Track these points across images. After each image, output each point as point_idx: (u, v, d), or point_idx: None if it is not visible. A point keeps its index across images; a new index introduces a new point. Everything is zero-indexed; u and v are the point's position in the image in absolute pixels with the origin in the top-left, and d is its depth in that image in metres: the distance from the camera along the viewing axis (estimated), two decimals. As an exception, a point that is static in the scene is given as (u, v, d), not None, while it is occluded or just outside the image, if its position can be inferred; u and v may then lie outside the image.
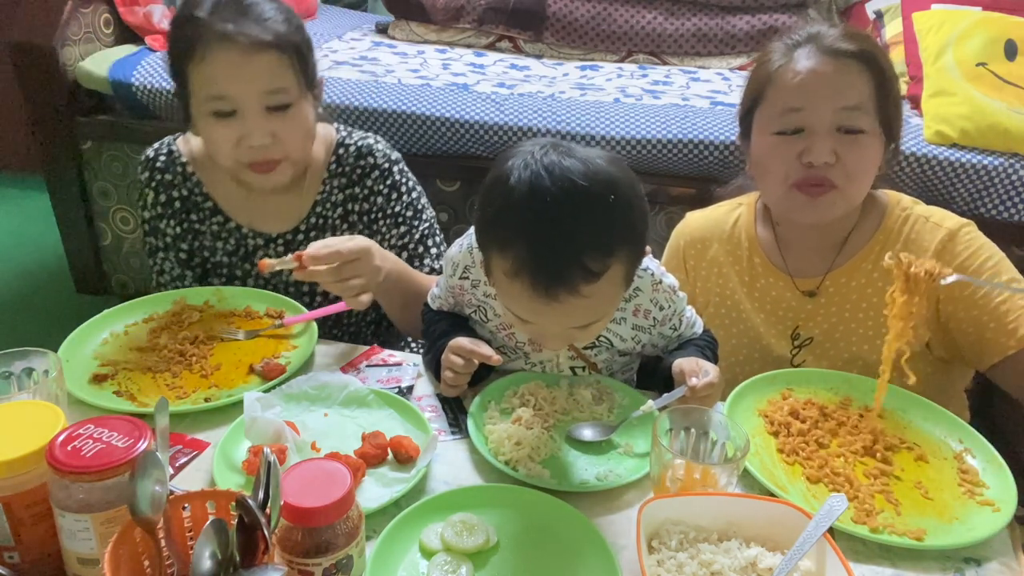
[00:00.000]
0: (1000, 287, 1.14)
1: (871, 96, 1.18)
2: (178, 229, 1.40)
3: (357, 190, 1.40)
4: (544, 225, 0.86)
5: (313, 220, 1.40)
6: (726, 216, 1.39)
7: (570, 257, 0.86)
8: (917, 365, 1.09)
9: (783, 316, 1.30)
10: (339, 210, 1.41)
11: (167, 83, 2.27)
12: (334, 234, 1.40)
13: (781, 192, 1.22)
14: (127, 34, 2.53)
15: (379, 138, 1.43)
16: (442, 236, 1.47)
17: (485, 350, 1.05)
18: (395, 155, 1.43)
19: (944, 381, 1.25)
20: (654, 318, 1.11)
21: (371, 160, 1.39)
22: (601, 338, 1.12)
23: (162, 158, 1.39)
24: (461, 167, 2.28)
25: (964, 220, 1.25)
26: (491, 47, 2.88)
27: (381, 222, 1.41)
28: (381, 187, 1.40)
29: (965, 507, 0.94)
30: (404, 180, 1.42)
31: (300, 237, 1.40)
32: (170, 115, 2.32)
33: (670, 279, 1.11)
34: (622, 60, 2.82)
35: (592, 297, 0.89)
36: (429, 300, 1.23)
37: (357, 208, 1.41)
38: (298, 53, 1.26)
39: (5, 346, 0.93)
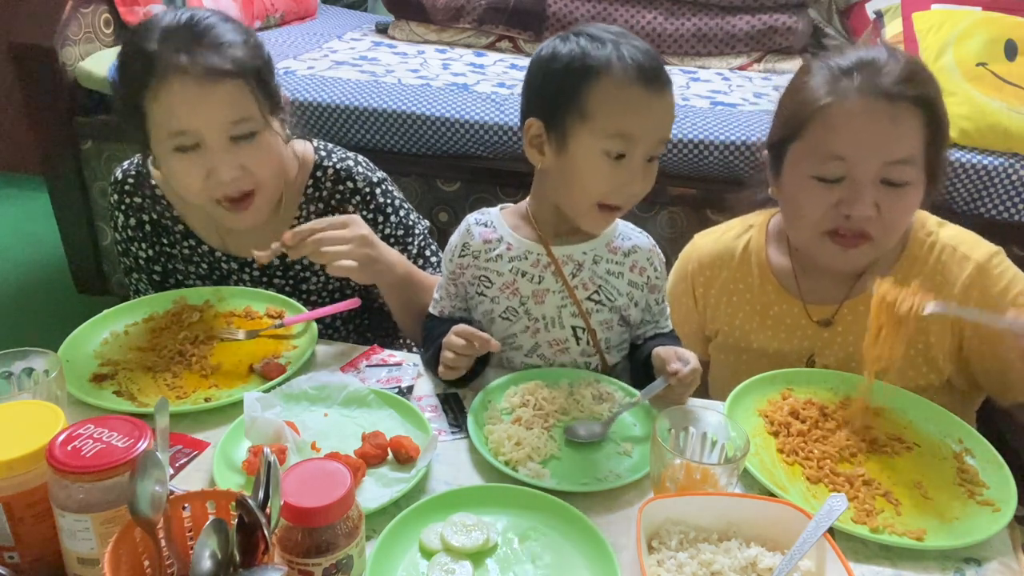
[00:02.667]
0: (992, 319, 1.06)
1: (923, 145, 1.10)
2: (150, 252, 1.36)
3: (336, 216, 1.33)
4: (624, 37, 1.06)
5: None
6: (735, 241, 1.33)
7: (656, 56, 1.06)
8: (935, 398, 1.10)
9: (797, 345, 1.27)
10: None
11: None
12: (312, 259, 1.38)
13: (811, 236, 1.17)
14: (127, 34, 2.52)
15: (360, 158, 1.37)
16: (436, 244, 1.43)
17: (487, 336, 1.07)
18: (377, 176, 1.36)
19: (960, 408, 1.19)
20: (648, 277, 1.17)
21: (350, 185, 1.33)
22: (601, 292, 1.15)
23: (131, 180, 1.34)
24: (461, 167, 2.27)
25: (993, 248, 1.19)
26: (491, 47, 2.88)
27: None
28: (364, 213, 1.34)
29: (965, 507, 0.94)
30: (389, 201, 1.36)
31: (276, 262, 1.35)
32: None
33: (662, 255, 1.20)
34: (622, 60, 2.82)
35: (673, 98, 1.07)
36: (431, 308, 1.24)
37: None
38: (258, 78, 1.19)
39: (5, 346, 0.93)
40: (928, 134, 1.11)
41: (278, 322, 1.23)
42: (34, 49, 2.29)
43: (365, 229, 1.20)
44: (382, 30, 3.04)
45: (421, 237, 1.41)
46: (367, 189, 1.34)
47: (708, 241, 1.37)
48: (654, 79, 1.04)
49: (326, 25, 3.07)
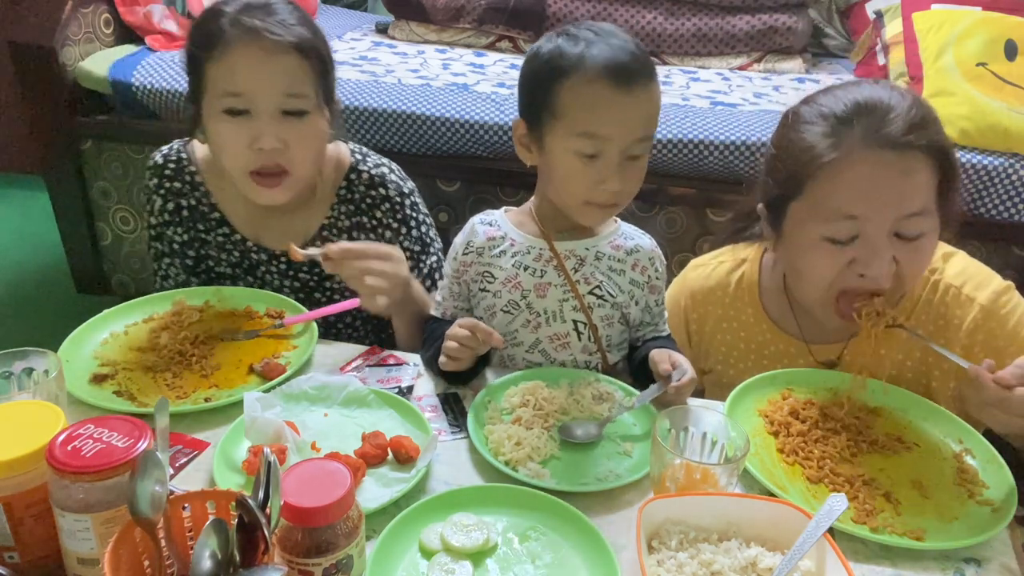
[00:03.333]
0: (959, 360, 1.01)
1: (935, 193, 1.05)
2: (185, 236, 1.38)
3: (364, 219, 1.37)
4: (604, 35, 1.05)
5: (319, 243, 1.35)
6: (727, 277, 1.28)
7: (634, 53, 1.04)
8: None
9: None
10: (344, 236, 1.37)
11: (167, 83, 2.28)
12: (347, 281, 1.38)
13: (822, 296, 1.11)
14: (127, 34, 2.52)
15: (394, 166, 1.39)
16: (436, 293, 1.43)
17: (490, 329, 1.07)
18: (408, 186, 1.39)
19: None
20: (649, 277, 1.18)
21: (383, 192, 1.36)
22: (603, 287, 1.15)
23: (171, 165, 1.36)
24: (461, 167, 2.28)
25: (1001, 286, 1.14)
26: (491, 47, 2.88)
27: None
28: (391, 221, 1.37)
29: (965, 507, 0.94)
30: (414, 214, 1.39)
31: None
32: (170, 115, 2.32)
33: (663, 257, 1.20)
34: (622, 60, 2.82)
35: (652, 96, 1.05)
36: (432, 310, 1.26)
37: (363, 237, 1.37)
38: (321, 62, 1.24)
39: (5, 346, 0.93)
40: (941, 179, 1.05)
41: (278, 322, 1.23)
42: (34, 49, 2.29)
43: (405, 270, 1.21)
44: (382, 30, 3.04)
45: (435, 258, 1.42)
46: (398, 199, 1.37)
47: (700, 275, 1.32)
48: (623, 77, 1.02)
49: (326, 25, 3.03)
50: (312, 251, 1.18)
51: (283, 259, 1.38)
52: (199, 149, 1.38)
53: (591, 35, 1.06)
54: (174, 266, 1.40)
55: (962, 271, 1.16)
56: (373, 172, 1.36)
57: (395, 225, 1.37)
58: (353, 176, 1.36)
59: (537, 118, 1.08)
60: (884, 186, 1.02)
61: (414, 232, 1.39)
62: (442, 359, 1.09)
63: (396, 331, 1.33)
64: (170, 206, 1.37)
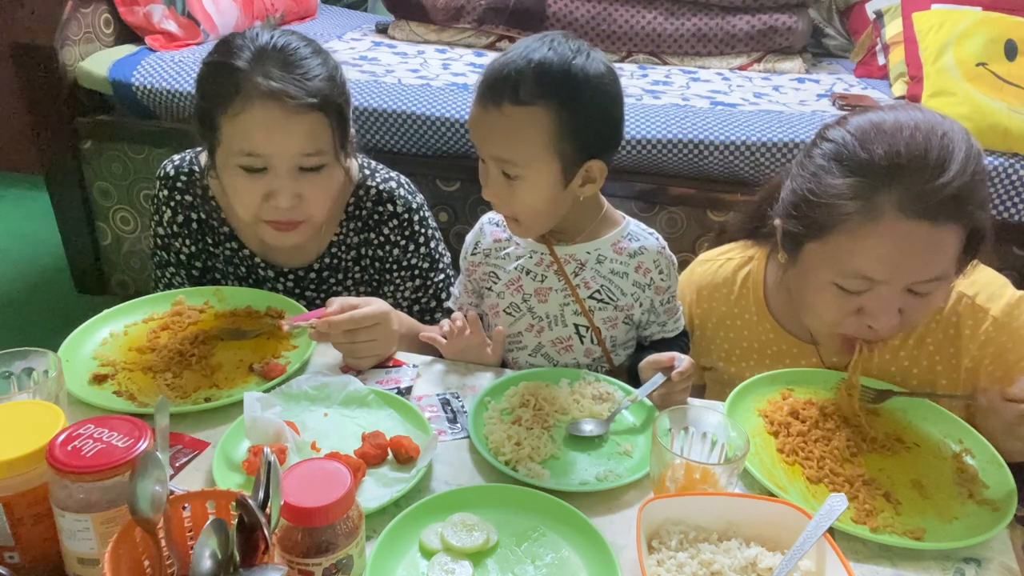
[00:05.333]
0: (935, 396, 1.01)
1: (958, 255, 0.99)
2: (193, 248, 1.37)
3: (372, 235, 1.35)
4: (503, 58, 1.05)
5: (327, 260, 1.36)
6: (733, 275, 1.27)
7: (509, 75, 1.02)
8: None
9: None
10: (352, 252, 1.37)
11: (167, 83, 2.28)
12: (346, 276, 1.38)
13: (826, 331, 1.10)
14: (127, 34, 2.53)
15: (403, 179, 1.37)
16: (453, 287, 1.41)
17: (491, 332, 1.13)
18: (417, 201, 1.37)
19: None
20: (652, 279, 1.18)
21: (390, 208, 1.34)
22: (603, 291, 1.16)
23: (183, 177, 1.34)
24: (461, 167, 2.27)
25: (1014, 299, 1.11)
26: (491, 47, 2.88)
27: (395, 272, 1.37)
28: (398, 238, 1.35)
29: (965, 507, 0.94)
30: (423, 230, 1.37)
31: (312, 275, 1.37)
32: (169, 115, 2.32)
33: (673, 257, 1.19)
34: (622, 60, 2.83)
35: (509, 121, 1.02)
36: (449, 302, 1.32)
37: (371, 254, 1.37)
38: (339, 115, 1.20)
39: (5, 346, 0.93)
40: (965, 242, 0.99)
41: (278, 322, 1.23)
42: (34, 49, 2.29)
43: (392, 330, 1.16)
44: (382, 30, 3.04)
45: (443, 276, 1.41)
46: (406, 215, 1.35)
47: (706, 271, 1.31)
48: (488, 93, 1.04)
49: (326, 25, 3.07)
50: (300, 323, 1.17)
51: (290, 276, 1.37)
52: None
53: (515, 49, 1.06)
54: (179, 276, 1.39)
55: (976, 279, 1.12)
56: (381, 188, 1.34)
57: (403, 242, 1.36)
58: (361, 192, 1.34)
59: None
60: (909, 256, 0.97)
61: (422, 249, 1.37)
62: (436, 337, 1.16)
63: None
64: (180, 218, 1.35)
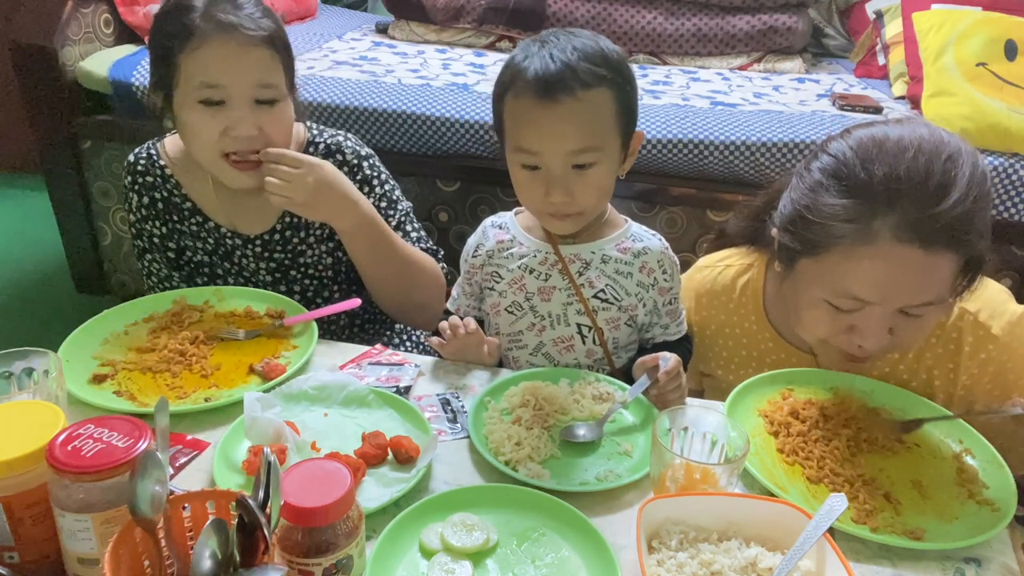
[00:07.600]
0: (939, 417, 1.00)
1: (953, 280, 0.98)
2: (163, 229, 1.41)
3: None
4: (552, 44, 1.05)
5: (288, 219, 1.41)
6: (733, 282, 1.26)
7: (566, 63, 1.02)
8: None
9: None
10: None
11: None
12: (310, 233, 1.42)
13: (817, 342, 1.11)
14: (127, 34, 2.53)
15: (349, 135, 1.43)
16: (419, 224, 1.48)
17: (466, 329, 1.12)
18: (365, 151, 1.43)
19: None
20: (655, 279, 1.17)
21: (340, 157, 1.40)
22: (608, 291, 1.16)
23: (142, 161, 1.40)
24: (461, 167, 2.28)
25: (1015, 316, 1.09)
26: (491, 47, 2.88)
27: None
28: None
29: (965, 507, 0.94)
30: (376, 174, 1.43)
31: (277, 236, 1.41)
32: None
33: (676, 258, 1.19)
34: (622, 60, 2.83)
35: (586, 105, 1.03)
36: (448, 304, 1.30)
37: None
38: (287, 53, 1.30)
39: (5, 346, 0.93)
40: (961, 267, 0.98)
41: (278, 322, 1.23)
42: (34, 49, 2.29)
43: (307, 182, 1.24)
44: (382, 30, 3.04)
45: (403, 212, 1.45)
46: (355, 161, 1.41)
47: (706, 278, 1.30)
48: (546, 90, 1.03)
49: (326, 25, 3.07)
50: (252, 157, 1.27)
51: (257, 242, 1.41)
52: (169, 146, 1.41)
53: (536, 46, 1.07)
54: (156, 261, 1.43)
55: (978, 295, 1.09)
56: (329, 142, 1.41)
57: (357, 186, 1.37)
58: (311, 150, 1.40)
59: (499, 132, 1.13)
60: (902, 280, 0.96)
61: (378, 190, 1.42)
62: (436, 340, 1.16)
63: (363, 274, 1.38)
64: (145, 200, 1.40)
